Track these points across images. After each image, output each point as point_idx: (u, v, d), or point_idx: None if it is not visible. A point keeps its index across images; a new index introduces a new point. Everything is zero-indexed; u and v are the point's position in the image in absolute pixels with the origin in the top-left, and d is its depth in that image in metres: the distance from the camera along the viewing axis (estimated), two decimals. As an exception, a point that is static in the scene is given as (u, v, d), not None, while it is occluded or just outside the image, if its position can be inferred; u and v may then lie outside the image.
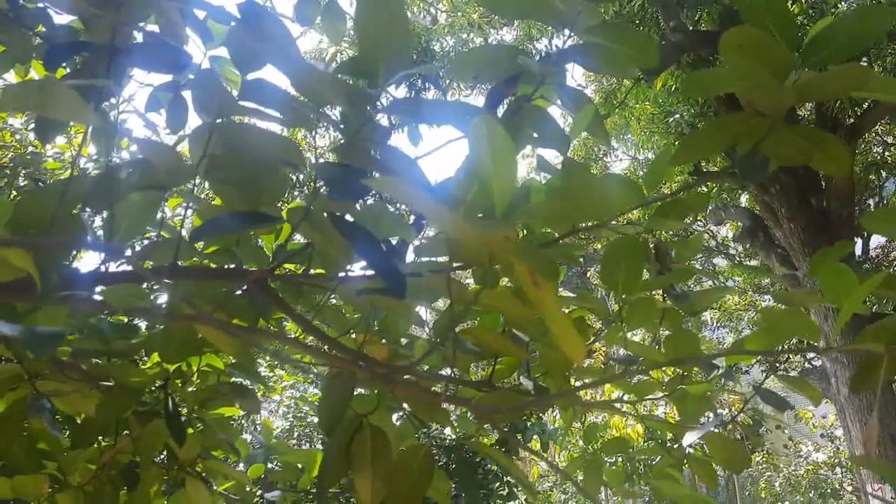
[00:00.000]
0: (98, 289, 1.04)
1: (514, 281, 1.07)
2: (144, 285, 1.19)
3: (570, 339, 0.66)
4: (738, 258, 10.16)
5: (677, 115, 7.69)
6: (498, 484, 5.76)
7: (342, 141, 1.10)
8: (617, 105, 8.02)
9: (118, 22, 1.06)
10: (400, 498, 1.07)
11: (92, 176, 0.96)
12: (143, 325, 1.47)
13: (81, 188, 0.95)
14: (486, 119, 0.72)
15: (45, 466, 1.50)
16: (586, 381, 1.07)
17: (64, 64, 1.50)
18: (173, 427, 1.17)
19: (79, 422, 1.65)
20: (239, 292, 1.24)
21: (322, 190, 1.09)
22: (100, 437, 1.51)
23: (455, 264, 1.02)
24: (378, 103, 1.04)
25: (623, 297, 1.17)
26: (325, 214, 0.92)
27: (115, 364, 1.21)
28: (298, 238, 1.43)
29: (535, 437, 6.05)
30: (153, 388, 1.27)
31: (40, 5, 1.58)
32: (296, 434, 6.62)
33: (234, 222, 0.87)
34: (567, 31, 1.14)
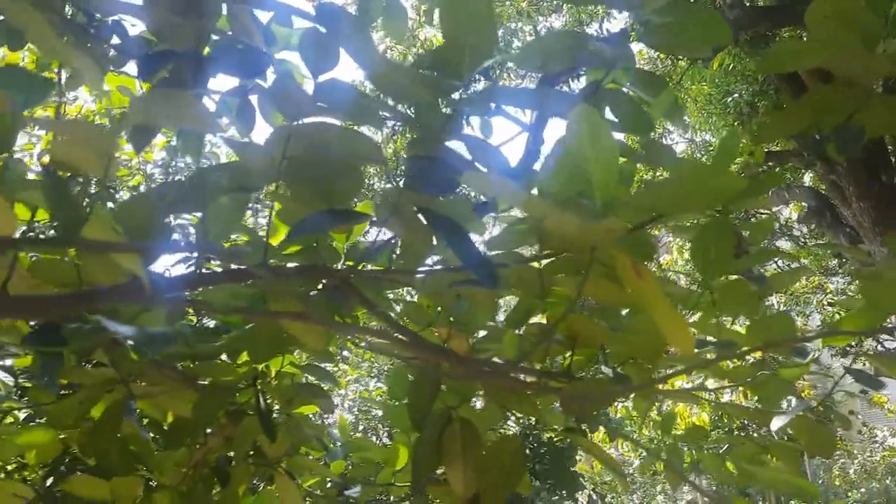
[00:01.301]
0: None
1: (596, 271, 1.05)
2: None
3: (675, 329, 0.65)
4: (802, 240, 9.85)
5: (735, 95, 7.49)
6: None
7: (415, 135, 1.11)
8: (673, 86, 7.85)
9: (200, 29, 1.09)
10: (494, 489, 1.07)
11: (182, 180, 0.98)
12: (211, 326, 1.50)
13: (175, 193, 0.98)
14: (585, 107, 0.71)
15: (137, 468, 1.55)
16: (677, 367, 1.05)
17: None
18: (265, 424, 1.19)
19: (164, 424, 1.70)
20: (314, 291, 1.27)
21: (399, 184, 1.10)
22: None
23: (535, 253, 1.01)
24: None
25: (709, 282, 1.14)
26: (415, 209, 0.92)
27: (209, 364, 1.24)
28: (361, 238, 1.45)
29: (600, 427, 5.98)
30: (242, 388, 1.29)
31: (115, 18, 1.64)
32: (360, 427, 6.71)
33: (327, 220, 0.88)
34: (628, 14, 1.12)
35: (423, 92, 0.89)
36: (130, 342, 1.16)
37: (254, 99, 1.37)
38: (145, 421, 1.67)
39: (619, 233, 0.68)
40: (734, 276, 1.22)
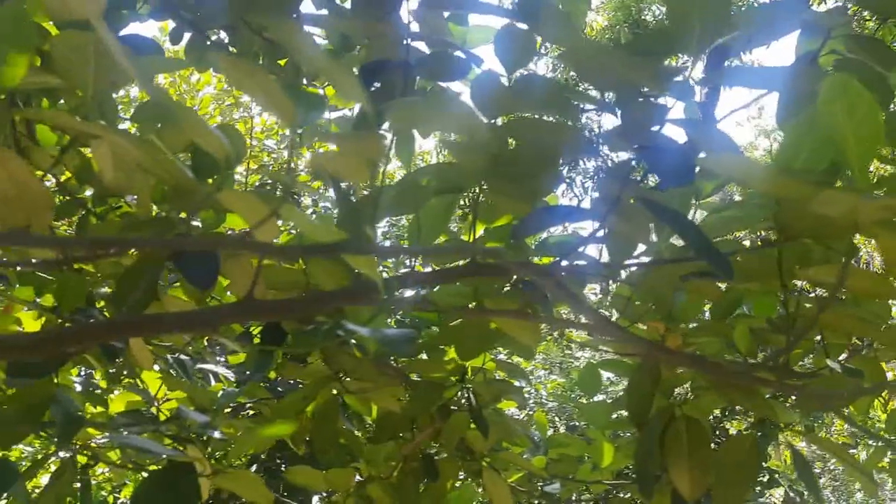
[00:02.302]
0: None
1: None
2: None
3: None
4: None
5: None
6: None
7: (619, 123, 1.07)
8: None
9: (401, 37, 1.12)
10: (726, 491, 1.02)
11: (394, 185, 1.01)
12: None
13: (389, 196, 1.01)
14: (840, 76, 0.64)
15: (349, 461, 1.63)
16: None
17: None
18: (478, 420, 1.21)
19: (369, 419, 1.78)
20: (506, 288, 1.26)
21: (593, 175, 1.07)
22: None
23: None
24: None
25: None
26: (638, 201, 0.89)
27: (421, 361, 1.28)
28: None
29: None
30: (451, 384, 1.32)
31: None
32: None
33: (555, 217, 0.87)
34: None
35: (637, 74, 0.85)
36: (354, 342, 1.22)
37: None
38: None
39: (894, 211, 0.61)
40: None
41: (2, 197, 0.64)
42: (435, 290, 1.07)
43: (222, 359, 2.04)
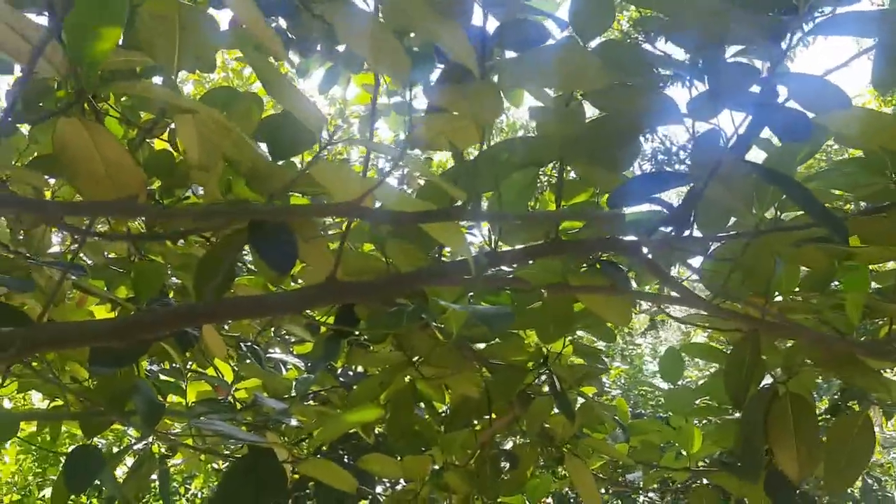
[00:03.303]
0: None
1: None
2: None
3: None
4: None
5: None
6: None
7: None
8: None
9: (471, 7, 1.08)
10: (838, 473, 0.95)
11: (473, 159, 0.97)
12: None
13: (469, 170, 0.98)
14: None
15: (424, 448, 1.61)
16: None
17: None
18: (564, 405, 1.16)
19: (440, 406, 1.75)
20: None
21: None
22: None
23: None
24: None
25: None
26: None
27: (498, 344, 1.24)
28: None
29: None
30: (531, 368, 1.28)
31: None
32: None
33: (654, 184, 0.82)
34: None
35: (748, 30, 0.79)
36: (436, 324, 1.19)
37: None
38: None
39: None
40: None
41: (93, 176, 0.63)
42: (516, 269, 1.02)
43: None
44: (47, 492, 4.22)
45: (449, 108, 0.57)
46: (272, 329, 1.83)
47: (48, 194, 1.47)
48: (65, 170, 0.64)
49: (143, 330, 0.93)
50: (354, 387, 1.64)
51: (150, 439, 1.54)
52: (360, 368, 1.87)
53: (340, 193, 0.63)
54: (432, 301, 1.01)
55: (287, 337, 2.01)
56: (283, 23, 1.96)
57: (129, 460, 2.14)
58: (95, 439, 3.34)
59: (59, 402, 1.78)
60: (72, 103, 0.59)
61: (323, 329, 1.56)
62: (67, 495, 1.14)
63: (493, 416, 1.48)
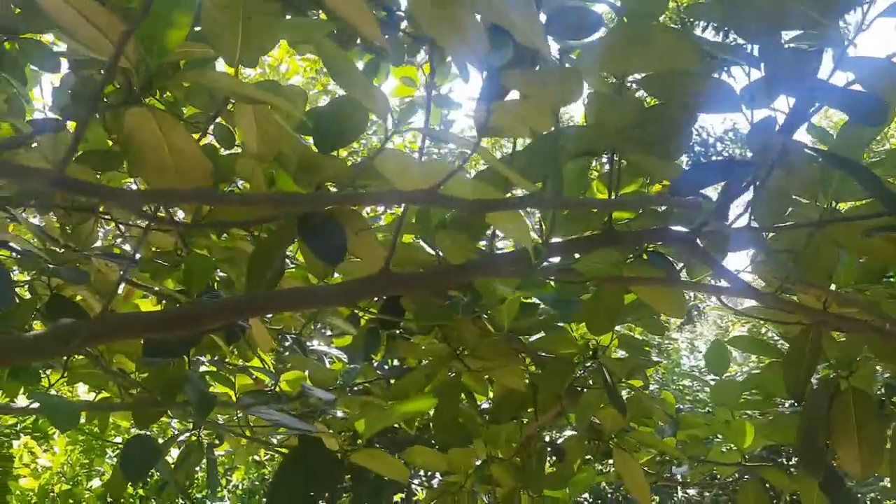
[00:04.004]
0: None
1: None
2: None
3: None
4: None
5: None
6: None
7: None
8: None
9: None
10: (905, 470, 0.93)
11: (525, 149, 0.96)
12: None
13: (524, 159, 0.96)
14: None
15: (469, 441, 1.60)
16: None
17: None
18: (615, 398, 1.15)
19: (482, 399, 1.74)
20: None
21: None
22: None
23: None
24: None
25: None
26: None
27: (545, 337, 1.23)
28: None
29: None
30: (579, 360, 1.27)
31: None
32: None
33: (716, 172, 0.80)
34: None
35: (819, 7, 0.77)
36: (486, 315, 1.18)
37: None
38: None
39: None
40: None
41: (160, 165, 0.63)
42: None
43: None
44: (95, 482, 4.31)
45: (523, 93, 0.56)
46: (312, 323, 1.84)
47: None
48: (131, 159, 0.65)
49: (199, 322, 0.94)
50: (392, 380, 1.65)
51: (198, 431, 1.56)
52: (395, 362, 1.87)
53: (406, 182, 0.62)
54: (488, 291, 1.00)
55: (323, 330, 2.02)
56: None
57: (174, 451, 2.18)
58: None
59: (107, 394, 1.82)
60: (140, 92, 0.60)
61: (363, 321, 1.56)
62: (125, 483, 1.16)
63: (538, 409, 1.47)
